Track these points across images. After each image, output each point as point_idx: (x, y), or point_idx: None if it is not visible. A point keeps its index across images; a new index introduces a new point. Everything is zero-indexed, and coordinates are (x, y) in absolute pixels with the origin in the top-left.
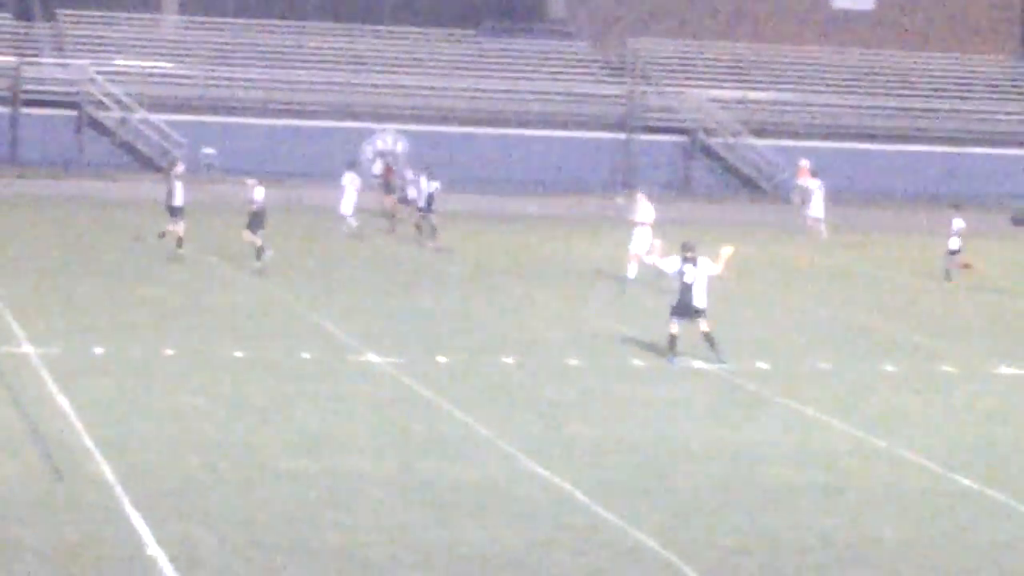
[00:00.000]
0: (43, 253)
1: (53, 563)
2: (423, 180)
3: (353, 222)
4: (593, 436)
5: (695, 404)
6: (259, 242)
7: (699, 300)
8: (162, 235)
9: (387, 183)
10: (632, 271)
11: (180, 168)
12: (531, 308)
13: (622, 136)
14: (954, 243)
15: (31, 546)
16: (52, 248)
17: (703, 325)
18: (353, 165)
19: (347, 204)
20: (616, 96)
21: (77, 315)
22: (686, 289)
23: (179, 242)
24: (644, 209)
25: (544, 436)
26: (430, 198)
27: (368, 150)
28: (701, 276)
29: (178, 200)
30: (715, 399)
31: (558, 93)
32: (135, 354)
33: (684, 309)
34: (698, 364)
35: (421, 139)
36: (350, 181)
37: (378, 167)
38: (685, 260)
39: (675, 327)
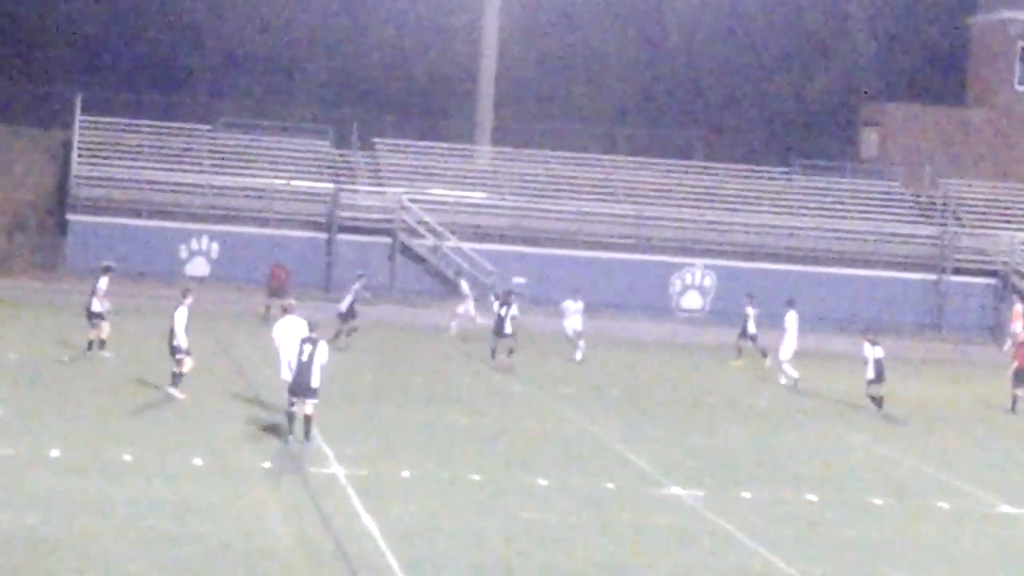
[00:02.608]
0: (353, 378)
1: None
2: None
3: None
4: None
5: (993, 551)
6: None
7: (315, 380)
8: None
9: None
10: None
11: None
12: (836, 446)
13: (933, 277)
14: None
15: None
16: (363, 373)
17: (310, 408)
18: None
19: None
20: (928, 237)
21: (386, 439)
22: (304, 368)
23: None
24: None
25: None
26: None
27: (676, 284)
28: (318, 357)
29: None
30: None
31: (869, 232)
32: (441, 478)
33: (300, 388)
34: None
35: (729, 274)
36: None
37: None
38: (305, 340)
39: (294, 407)
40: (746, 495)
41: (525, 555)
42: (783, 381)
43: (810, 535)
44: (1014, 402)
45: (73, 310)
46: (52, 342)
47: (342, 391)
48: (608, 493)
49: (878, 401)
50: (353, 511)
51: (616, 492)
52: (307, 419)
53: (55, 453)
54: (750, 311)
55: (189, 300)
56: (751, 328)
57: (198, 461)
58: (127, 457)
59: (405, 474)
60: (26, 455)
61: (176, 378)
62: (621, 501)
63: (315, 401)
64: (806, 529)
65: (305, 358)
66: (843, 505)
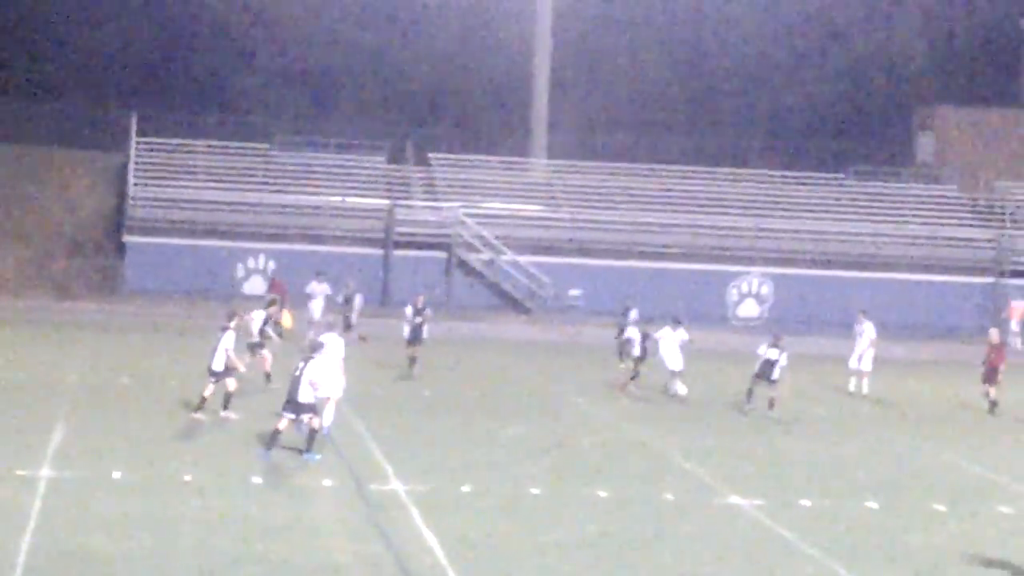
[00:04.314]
0: (411, 392)
1: None
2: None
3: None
4: None
5: None
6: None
7: (304, 396)
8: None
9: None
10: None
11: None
12: (895, 452)
13: (990, 280)
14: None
15: None
16: (420, 387)
17: (316, 422)
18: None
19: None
20: (985, 240)
21: (445, 453)
22: (295, 383)
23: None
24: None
25: None
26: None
27: (733, 293)
28: (311, 371)
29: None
30: None
31: (925, 237)
32: (501, 492)
33: (291, 404)
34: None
35: (785, 282)
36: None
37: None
38: (306, 358)
39: (283, 422)
40: (806, 503)
41: (587, 568)
42: (853, 389)
43: (871, 543)
44: (993, 404)
45: (132, 331)
46: (112, 364)
47: (401, 407)
48: (668, 504)
49: (747, 396)
50: (414, 527)
51: (676, 503)
52: (277, 433)
53: (117, 475)
54: (633, 313)
55: (235, 323)
56: (628, 333)
57: (258, 480)
58: (188, 477)
59: (465, 489)
60: (89, 477)
61: (202, 402)
62: (681, 512)
63: (292, 416)
64: (867, 537)
65: (297, 373)
66: (904, 512)
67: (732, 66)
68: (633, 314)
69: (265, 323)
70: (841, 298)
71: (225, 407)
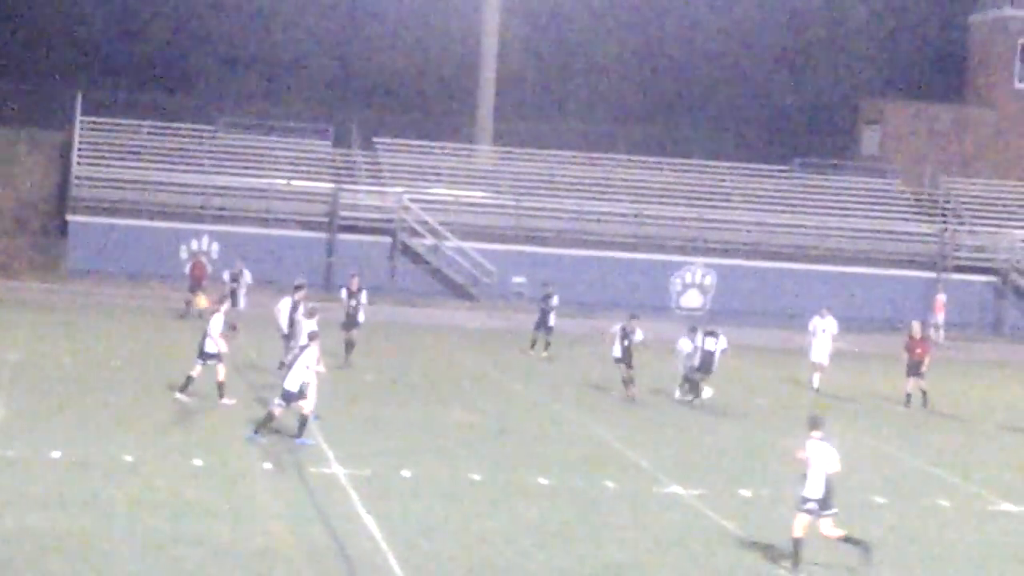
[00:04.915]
0: (353, 377)
1: None
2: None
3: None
4: None
5: (993, 548)
6: None
7: (291, 383)
8: None
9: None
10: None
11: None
12: (837, 444)
13: (932, 275)
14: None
15: None
16: (363, 372)
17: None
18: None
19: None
20: (928, 235)
21: (386, 438)
22: (287, 372)
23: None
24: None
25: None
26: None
27: (676, 283)
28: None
29: None
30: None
31: (869, 230)
32: (442, 478)
33: (283, 392)
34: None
35: (729, 272)
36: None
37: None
38: (302, 347)
39: (278, 410)
40: (745, 493)
41: (526, 555)
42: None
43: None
44: (909, 396)
45: (75, 311)
46: (53, 344)
47: (343, 391)
48: (609, 492)
49: (686, 388)
50: (354, 511)
51: (617, 491)
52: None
53: (56, 454)
54: (554, 299)
55: (225, 307)
56: (552, 320)
57: (198, 462)
58: (128, 458)
59: (406, 474)
60: (27, 456)
61: (221, 388)
62: (622, 500)
63: (279, 403)
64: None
65: (292, 360)
66: (844, 504)
67: (679, 57)
68: (554, 300)
69: (294, 310)
70: (784, 290)
71: (182, 390)
